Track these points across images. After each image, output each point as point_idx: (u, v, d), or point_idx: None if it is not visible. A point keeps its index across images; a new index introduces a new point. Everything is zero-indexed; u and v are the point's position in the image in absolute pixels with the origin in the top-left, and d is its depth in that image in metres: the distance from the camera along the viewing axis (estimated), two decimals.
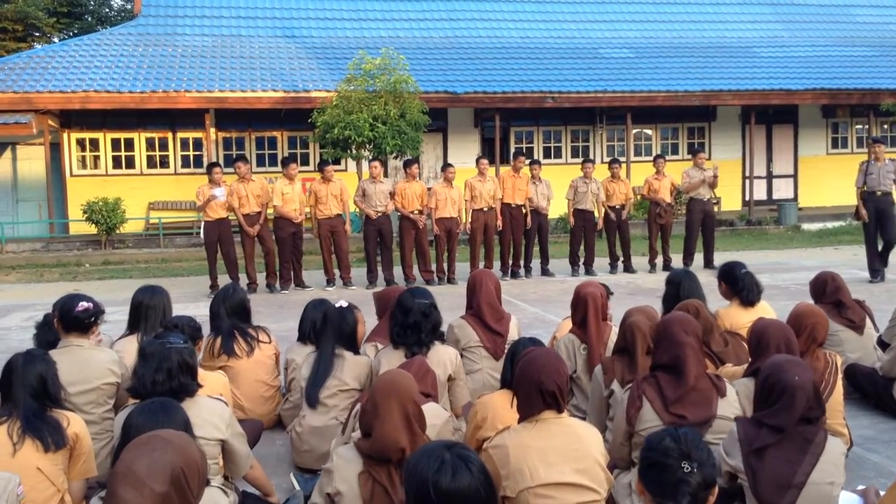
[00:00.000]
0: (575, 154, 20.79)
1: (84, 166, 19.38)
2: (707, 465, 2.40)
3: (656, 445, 2.45)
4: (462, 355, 5.19)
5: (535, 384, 3.08)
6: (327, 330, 4.76)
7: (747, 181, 20.90)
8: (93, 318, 4.24)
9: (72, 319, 4.21)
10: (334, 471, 3.04)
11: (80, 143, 19.33)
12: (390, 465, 2.96)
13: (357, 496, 2.96)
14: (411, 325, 4.58)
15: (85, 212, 17.21)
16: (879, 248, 10.90)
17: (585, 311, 4.89)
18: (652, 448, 2.46)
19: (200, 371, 3.90)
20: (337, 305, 4.88)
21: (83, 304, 4.19)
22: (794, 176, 22.66)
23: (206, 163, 18.14)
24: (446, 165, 12.67)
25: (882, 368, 5.53)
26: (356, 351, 4.83)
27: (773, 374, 3.30)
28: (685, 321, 3.76)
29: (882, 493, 3.35)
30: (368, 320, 5.23)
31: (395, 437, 2.93)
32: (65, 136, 19.00)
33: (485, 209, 12.25)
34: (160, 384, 3.52)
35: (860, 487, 3.55)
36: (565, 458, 3.05)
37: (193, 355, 3.70)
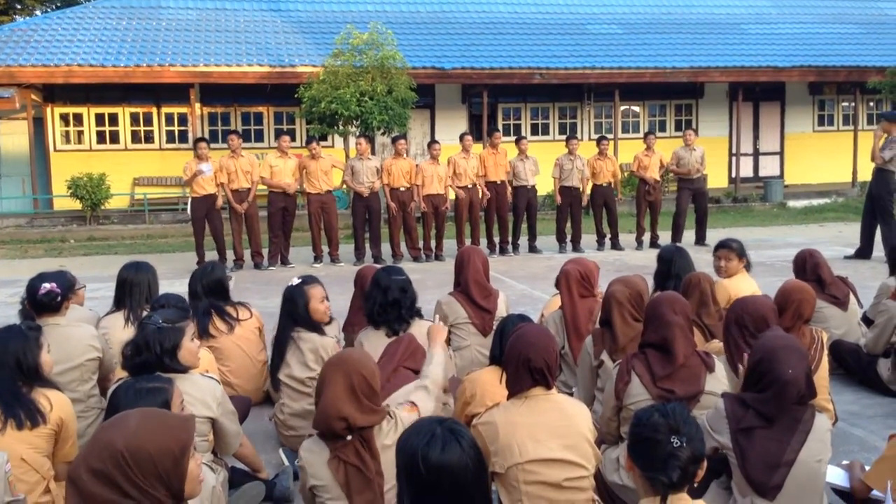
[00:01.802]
0: (563, 131, 20.75)
1: (68, 141, 19.18)
2: (696, 439, 2.42)
3: (645, 421, 2.46)
4: (450, 332, 5.20)
5: (523, 361, 3.09)
6: (285, 312, 4.70)
7: (734, 158, 20.95)
8: (58, 299, 4.19)
9: (37, 302, 4.18)
10: (306, 467, 3.03)
11: (64, 117, 19.12)
12: (355, 442, 2.94)
13: (334, 484, 2.95)
14: (391, 303, 4.57)
15: (69, 187, 17.06)
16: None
17: (560, 284, 4.98)
18: (641, 423, 2.47)
19: None
20: (290, 283, 4.79)
21: (45, 287, 4.15)
22: (781, 153, 22.73)
23: (191, 138, 18.03)
24: (432, 142, 12.63)
25: (866, 346, 5.59)
26: (317, 329, 4.71)
27: (765, 362, 3.27)
28: (674, 300, 3.76)
29: (867, 467, 3.39)
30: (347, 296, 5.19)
31: (336, 406, 2.91)
32: (48, 110, 18.80)
33: (469, 186, 12.25)
34: (129, 358, 3.52)
35: (845, 462, 3.60)
36: (553, 434, 3.06)
37: (166, 338, 3.57)
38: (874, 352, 5.50)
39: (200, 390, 3.57)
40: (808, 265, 5.85)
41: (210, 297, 5.38)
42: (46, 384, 3.47)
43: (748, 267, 5.89)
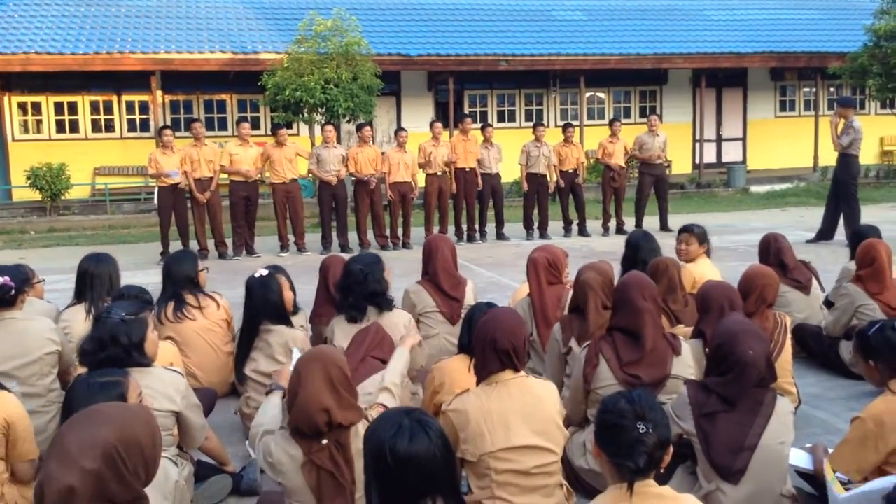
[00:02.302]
0: (529, 118, 20.76)
1: (26, 131, 18.79)
2: (661, 425, 2.44)
3: (611, 407, 2.47)
4: (419, 321, 5.19)
5: (489, 342, 3.10)
6: (251, 304, 4.59)
7: (697, 144, 21.13)
8: (12, 292, 4.09)
9: None
10: (276, 465, 2.95)
11: (22, 106, 18.71)
12: (330, 446, 2.88)
13: (305, 489, 2.90)
14: (346, 289, 4.59)
15: (28, 178, 16.72)
16: None
17: (528, 273, 4.99)
18: (607, 410, 2.48)
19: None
20: (256, 275, 4.66)
21: None
22: (743, 139, 22.96)
23: (153, 127, 17.78)
24: (399, 129, 12.57)
25: (826, 328, 5.67)
26: (286, 320, 4.65)
27: (726, 345, 3.32)
28: (643, 285, 3.78)
29: (830, 450, 3.44)
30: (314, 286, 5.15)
31: (318, 399, 2.85)
32: (5, 99, 18.37)
33: (438, 173, 12.22)
34: (90, 353, 3.44)
35: (808, 445, 3.65)
36: (524, 419, 3.07)
37: (132, 331, 3.49)
38: (833, 334, 5.59)
39: (163, 383, 3.51)
40: (771, 249, 5.92)
41: (179, 285, 5.30)
42: None
43: (709, 253, 5.97)
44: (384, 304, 4.65)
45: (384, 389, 3.44)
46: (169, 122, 17.63)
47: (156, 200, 11.81)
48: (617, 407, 2.46)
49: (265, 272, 4.70)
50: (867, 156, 21.92)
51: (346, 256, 5.53)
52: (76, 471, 2.00)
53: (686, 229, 5.99)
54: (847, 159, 10.91)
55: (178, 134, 12.18)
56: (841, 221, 10.96)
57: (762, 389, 3.31)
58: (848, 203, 10.89)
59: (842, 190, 10.96)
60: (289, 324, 4.64)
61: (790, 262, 5.90)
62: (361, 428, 2.97)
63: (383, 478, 2.19)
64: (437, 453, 2.20)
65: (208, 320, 5.29)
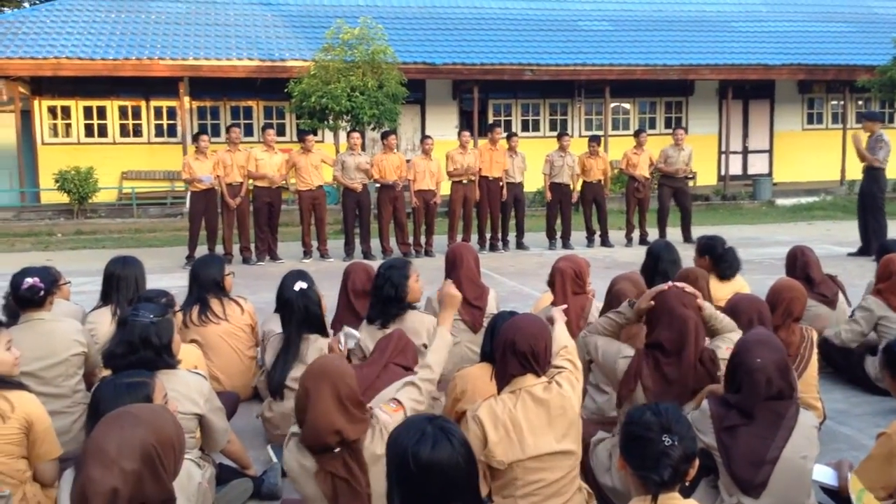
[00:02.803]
0: (553, 127, 20.74)
1: (56, 134, 19.05)
2: (687, 438, 2.42)
3: (637, 419, 2.46)
4: None
5: (509, 345, 3.10)
6: (291, 315, 4.59)
7: (723, 156, 20.99)
8: (41, 293, 4.13)
9: (19, 297, 4.12)
10: (296, 479, 2.94)
11: (52, 110, 18.98)
12: (343, 455, 2.85)
13: (321, 497, 2.88)
14: (377, 296, 4.59)
15: (57, 180, 16.93)
16: None
17: (554, 283, 4.95)
18: (633, 422, 2.47)
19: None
20: (297, 288, 4.66)
21: (28, 282, 4.09)
22: (770, 151, 22.79)
23: (180, 132, 17.96)
24: (425, 137, 12.60)
25: (842, 337, 5.55)
26: (324, 332, 4.68)
27: (737, 355, 3.31)
28: (681, 294, 3.72)
29: (855, 466, 3.40)
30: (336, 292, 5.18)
31: (329, 419, 2.80)
32: (36, 103, 18.65)
33: (464, 182, 12.23)
34: (119, 357, 3.45)
35: (833, 461, 3.60)
36: (550, 425, 3.08)
37: (162, 332, 3.54)
38: (847, 344, 5.51)
39: (187, 386, 3.53)
40: (798, 263, 5.86)
41: (205, 288, 5.33)
42: (5, 385, 3.31)
43: (721, 266, 5.80)
44: (405, 308, 4.69)
45: (409, 383, 3.29)
46: (196, 129, 17.81)
47: (187, 205, 11.91)
48: (643, 419, 2.45)
49: (304, 285, 4.68)
50: (895, 170, 21.70)
51: (369, 263, 5.54)
52: (117, 472, 2.03)
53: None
54: (875, 173, 10.79)
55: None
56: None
57: (784, 402, 3.26)
58: (875, 216, 10.75)
59: (869, 203, 10.83)
60: (325, 333, 4.66)
61: (817, 276, 5.84)
62: (369, 433, 2.96)
63: (406, 485, 2.19)
64: (460, 461, 2.19)
65: (232, 324, 5.32)
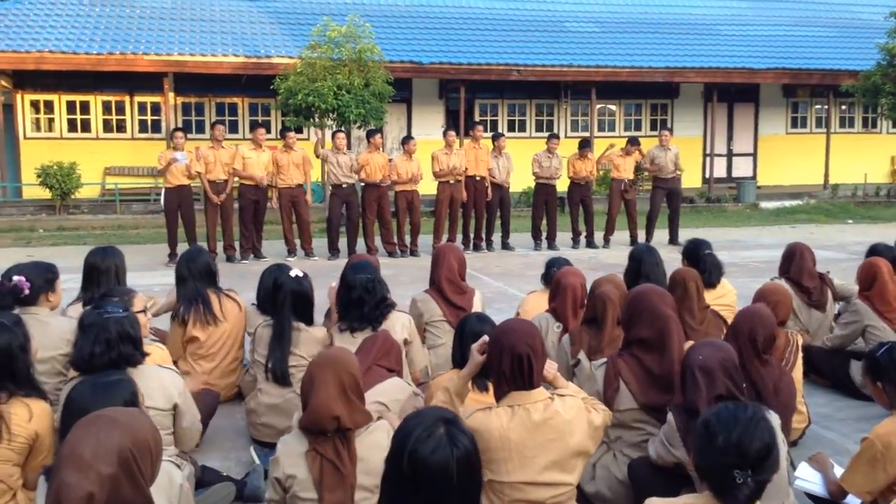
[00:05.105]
0: (539, 128, 20.77)
1: (38, 129, 18.86)
2: (766, 470, 2.43)
3: (717, 445, 2.45)
4: (425, 329, 5.18)
5: (508, 349, 2.94)
6: (284, 301, 4.59)
7: (707, 158, 21.08)
8: (25, 292, 4.06)
9: (4, 294, 4.06)
10: (280, 457, 2.97)
11: (34, 104, 18.79)
12: (335, 438, 2.91)
13: (307, 477, 2.91)
14: (354, 302, 4.53)
15: (39, 176, 16.76)
16: None
17: (564, 301, 4.72)
18: (712, 443, 2.46)
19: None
20: (292, 275, 4.69)
21: (12, 281, 4.05)
22: (754, 154, 22.91)
23: (164, 128, 17.83)
24: (407, 138, 12.53)
25: (830, 341, 5.58)
26: (310, 321, 4.70)
27: (685, 357, 3.30)
28: (661, 293, 3.69)
29: (832, 461, 3.42)
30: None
31: (329, 406, 2.89)
32: (18, 97, 18.45)
33: (451, 182, 12.20)
34: (98, 356, 3.36)
35: (815, 456, 3.60)
36: (545, 450, 2.95)
37: (135, 324, 3.52)
38: (835, 347, 5.54)
39: (161, 381, 3.50)
40: (794, 260, 5.86)
41: (198, 281, 5.23)
42: (33, 391, 3.23)
43: (703, 270, 5.78)
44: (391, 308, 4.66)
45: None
46: (180, 125, 17.69)
47: (162, 202, 11.79)
48: (719, 445, 2.43)
49: (300, 272, 4.72)
50: (877, 174, 21.89)
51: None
52: (93, 477, 1.99)
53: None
54: None
55: (189, 136, 12.20)
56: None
57: (737, 403, 3.22)
58: None
59: None
60: (311, 322, 4.68)
61: (807, 280, 5.82)
62: (365, 431, 2.97)
63: (393, 477, 2.10)
64: (453, 474, 2.04)
65: (231, 325, 5.21)
